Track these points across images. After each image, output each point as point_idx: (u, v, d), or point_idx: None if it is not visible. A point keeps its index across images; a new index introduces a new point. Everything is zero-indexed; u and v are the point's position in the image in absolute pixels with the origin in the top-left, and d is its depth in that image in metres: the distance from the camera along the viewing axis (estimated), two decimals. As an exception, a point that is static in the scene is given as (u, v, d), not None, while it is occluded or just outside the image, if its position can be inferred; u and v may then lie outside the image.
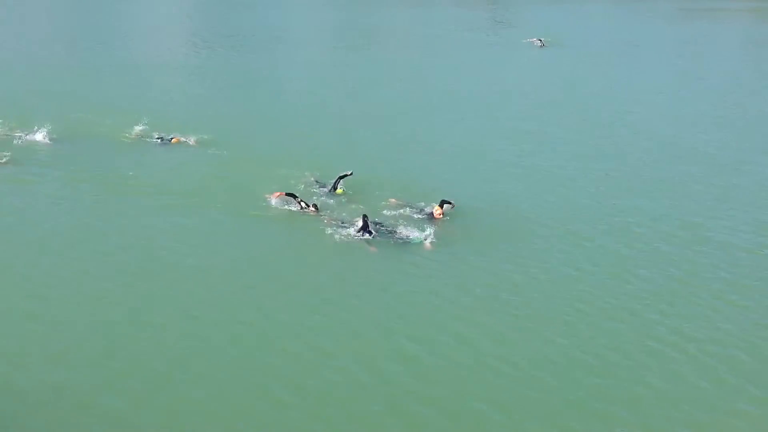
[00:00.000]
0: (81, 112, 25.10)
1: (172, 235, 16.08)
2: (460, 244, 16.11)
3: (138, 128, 22.76)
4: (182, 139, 22.16)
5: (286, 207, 17.42)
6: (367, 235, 15.83)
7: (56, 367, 11.17)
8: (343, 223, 16.61)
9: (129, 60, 37.60)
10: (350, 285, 14.18)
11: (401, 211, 17.57)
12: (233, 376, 11.11)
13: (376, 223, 16.36)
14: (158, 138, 22.30)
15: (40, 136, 21.65)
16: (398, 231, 16.24)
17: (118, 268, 14.38)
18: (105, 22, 55.22)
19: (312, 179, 19.25)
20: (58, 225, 16.43)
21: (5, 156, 19.89)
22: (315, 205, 17.27)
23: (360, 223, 16.05)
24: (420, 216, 17.27)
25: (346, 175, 18.60)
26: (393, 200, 18.12)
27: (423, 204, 17.85)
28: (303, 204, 17.22)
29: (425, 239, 15.78)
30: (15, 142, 21.41)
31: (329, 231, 16.29)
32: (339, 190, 18.43)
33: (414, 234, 16.02)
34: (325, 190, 18.59)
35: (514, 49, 46.80)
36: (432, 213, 17.21)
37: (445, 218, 17.11)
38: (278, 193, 17.63)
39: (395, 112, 28.19)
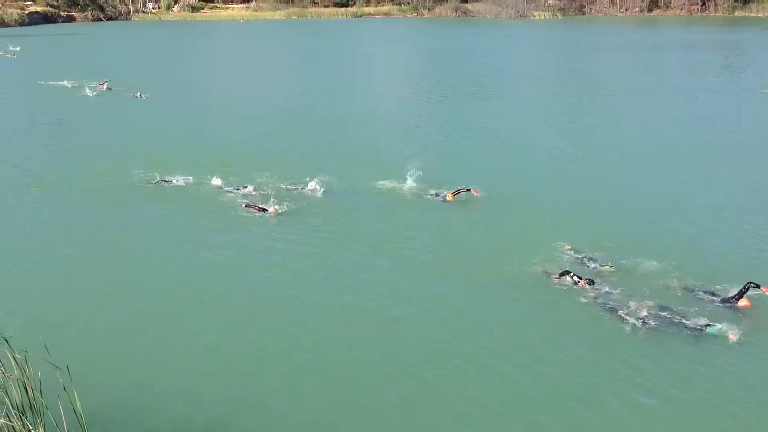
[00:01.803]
0: (349, 166, 26.90)
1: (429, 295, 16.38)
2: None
3: (408, 183, 23.79)
4: (458, 192, 22.61)
5: (552, 277, 17.17)
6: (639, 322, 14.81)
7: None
8: (610, 300, 15.77)
9: (374, 111, 39.73)
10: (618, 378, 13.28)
11: (690, 292, 16.32)
12: None
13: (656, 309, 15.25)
14: (434, 193, 23.08)
15: (311, 188, 23.40)
16: (686, 317, 15.04)
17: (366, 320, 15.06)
18: (335, 73, 59.10)
19: (570, 251, 18.78)
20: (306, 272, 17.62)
21: (283, 205, 21.79)
22: (590, 280, 16.78)
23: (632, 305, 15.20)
24: (716, 303, 15.60)
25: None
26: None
27: (719, 289, 16.27)
28: (575, 278, 16.85)
29: (727, 331, 14.16)
30: (291, 193, 23.45)
31: (596, 307, 15.55)
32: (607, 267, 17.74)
33: (705, 323, 14.51)
34: (594, 265, 18.03)
35: (747, 97, 43.52)
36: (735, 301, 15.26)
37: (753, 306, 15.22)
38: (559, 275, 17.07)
39: (634, 166, 27.14)
